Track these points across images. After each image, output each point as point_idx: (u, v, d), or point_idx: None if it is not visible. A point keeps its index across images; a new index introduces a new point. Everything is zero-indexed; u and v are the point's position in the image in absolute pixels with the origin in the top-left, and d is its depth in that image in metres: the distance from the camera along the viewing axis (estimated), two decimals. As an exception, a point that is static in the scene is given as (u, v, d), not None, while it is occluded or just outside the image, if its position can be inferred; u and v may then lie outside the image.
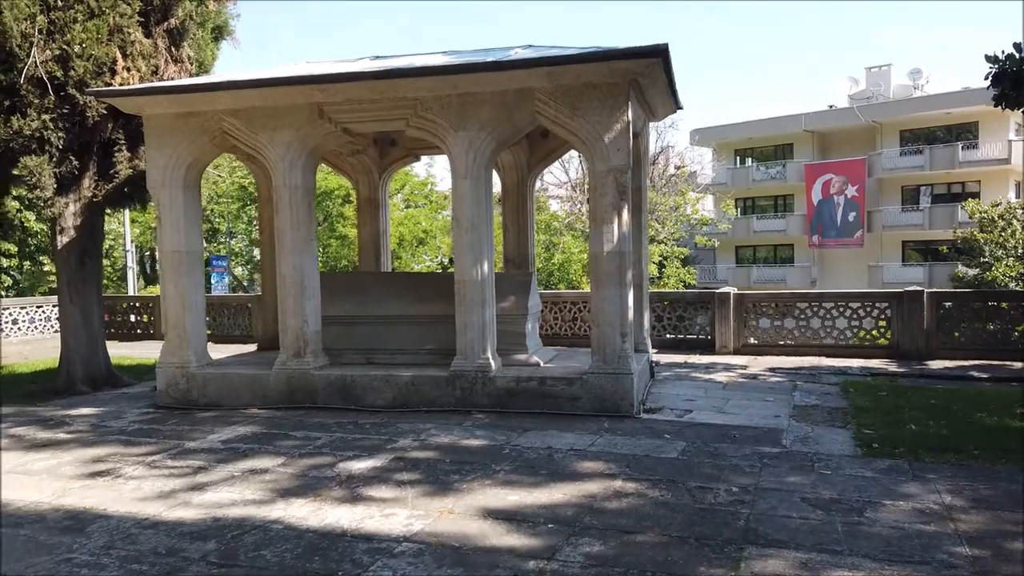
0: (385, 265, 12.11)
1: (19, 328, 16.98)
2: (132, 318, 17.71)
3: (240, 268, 44.91)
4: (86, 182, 10.90)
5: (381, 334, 9.83)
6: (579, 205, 36.26)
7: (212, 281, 35.05)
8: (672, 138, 68.80)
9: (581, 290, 18.08)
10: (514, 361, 9.17)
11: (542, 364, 9.26)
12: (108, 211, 12.11)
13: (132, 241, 24.16)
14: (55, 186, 10.31)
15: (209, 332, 16.81)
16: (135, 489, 6.14)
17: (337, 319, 9.75)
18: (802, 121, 45.94)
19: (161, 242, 9.49)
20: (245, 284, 43.33)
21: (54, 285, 23.61)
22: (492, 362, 8.64)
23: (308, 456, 6.96)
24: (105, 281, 26.71)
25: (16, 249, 18.88)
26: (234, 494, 5.92)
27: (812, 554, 4.43)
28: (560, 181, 38.59)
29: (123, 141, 10.84)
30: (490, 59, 8.29)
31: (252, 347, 15.50)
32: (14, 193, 11.62)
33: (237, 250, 43.66)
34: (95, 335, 11.17)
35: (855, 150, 44.19)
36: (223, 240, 43.42)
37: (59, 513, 5.60)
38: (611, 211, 8.17)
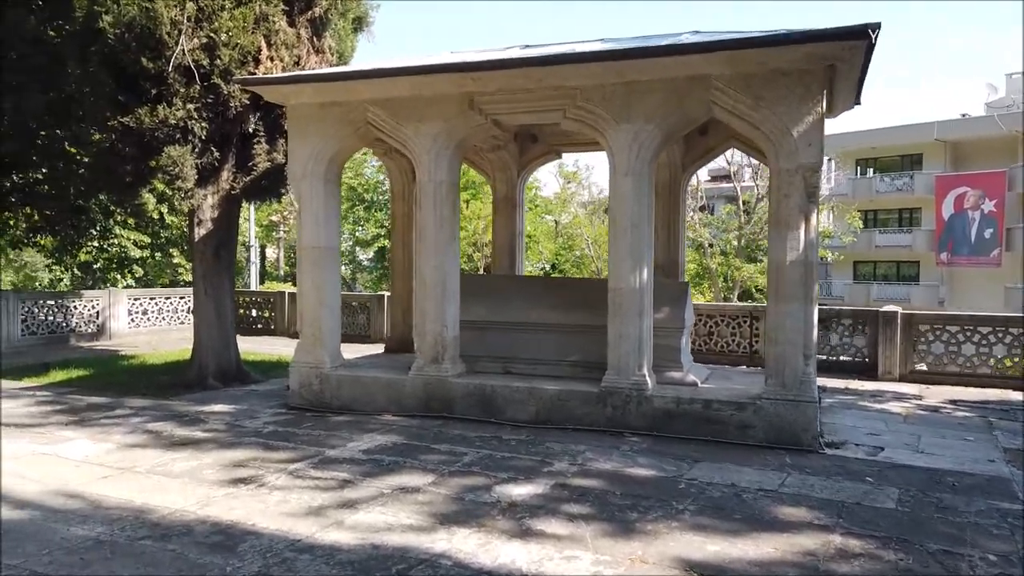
0: (520, 268, 11.47)
1: (148, 319, 17.40)
2: (253, 313, 17.86)
3: (343, 267, 45.84)
4: (224, 174, 10.78)
5: (518, 342, 9.16)
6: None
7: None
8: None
9: (717, 303, 16.97)
10: (668, 379, 8.28)
11: (699, 384, 8.33)
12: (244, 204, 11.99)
13: (256, 236, 24.69)
14: (196, 177, 10.19)
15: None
16: (281, 502, 5.64)
17: (471, 324, 9.14)
18: (934, 130, 42.78)
19: (299, 237, 9.16)
20: (349, 283, 44.08)
21: (176, 277, 24.55)
22: (648, 380, 7.79)
23: (459, 475, 6.32)
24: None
25: (149, 240, 19.51)
26: (388, 516, 5.32)
27: None
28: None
29: (262, 133, 10.66)
30: (663, 43, 7.46)
31: (370, 347, 15.26)
32: (149, 186, 11.60)
33: (343, 250, 44.56)
34: (227, 330, 11.03)
35: (992, 162, 40.67)
36: None
37: (206, 526, 5.15)
38: (797, 215, 7.17)
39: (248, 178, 10.68)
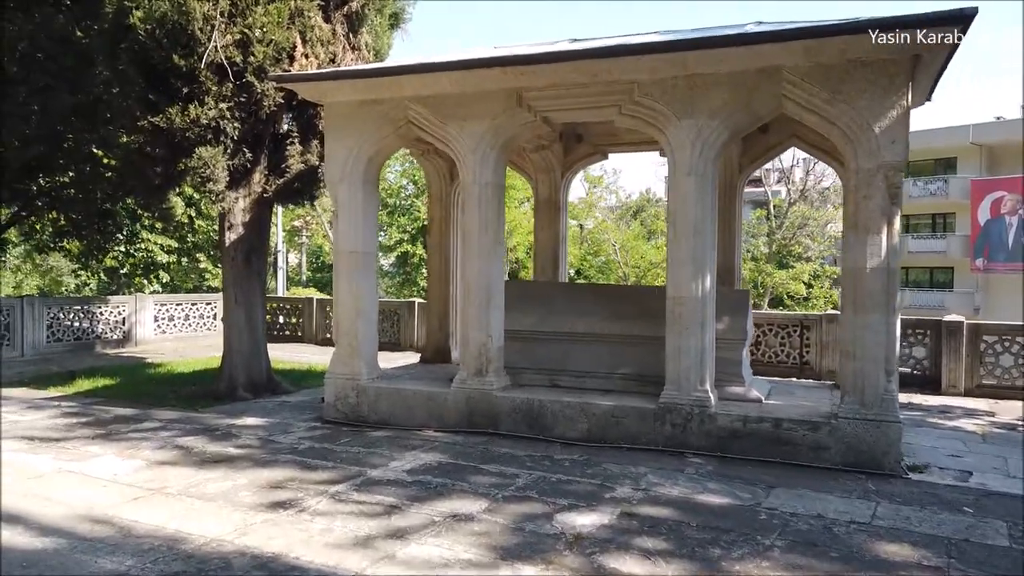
0: (563, 274, 10.95)
1: (175, 325, 17.09)
2: (280, 319, 17.50)
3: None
4: (256, 176, 10.38)
5: (566, 353, 8.64)
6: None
7: (335, 284, 35.42)
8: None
9: (765, 311, 16.31)
10: (730, 395, 7.71)
11: (763, 400, 7.76)
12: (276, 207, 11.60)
13: (283, 240, 24.38)
14: (227, 179, 9.80)
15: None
16: (325, 531, 5.16)
17: (515, 334, 8.63)
18: (969, 133, 41.71)
19: (336, 241, 8.71)
20: (379, 291, 43.75)
21: (203, 283, 24.30)
22: (711, 396, 7.23)
23: (514, 501, 5.80)
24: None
25: (176, 245, 19.24)
26: (443, 549, 4.82)
27: None
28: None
29: (295, 134, 10.27)
30: (729, 33, 6.93)
31: (401, 355, 14.82)
32: (176, 189, 11.25)
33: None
34: (258, 338, 10.62)
35: (1029, 166, 39.53)
36: None
37: (245, 559, 4.68)
38: (878, 218, 6.59)
39: (281, 180, 10.27)
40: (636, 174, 74.60)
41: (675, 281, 7.32)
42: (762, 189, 41.05)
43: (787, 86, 6.85)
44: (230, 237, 10.36)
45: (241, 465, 6.84)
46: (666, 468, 6.71)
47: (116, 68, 9.56)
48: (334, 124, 8.65)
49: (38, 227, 17.00)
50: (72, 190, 14.48)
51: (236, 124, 9.52)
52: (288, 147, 10.17)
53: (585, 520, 5.36)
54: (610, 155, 10.77)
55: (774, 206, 35.10)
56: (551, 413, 7.75)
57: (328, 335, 17.06)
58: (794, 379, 11.35)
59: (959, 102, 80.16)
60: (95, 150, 13.88)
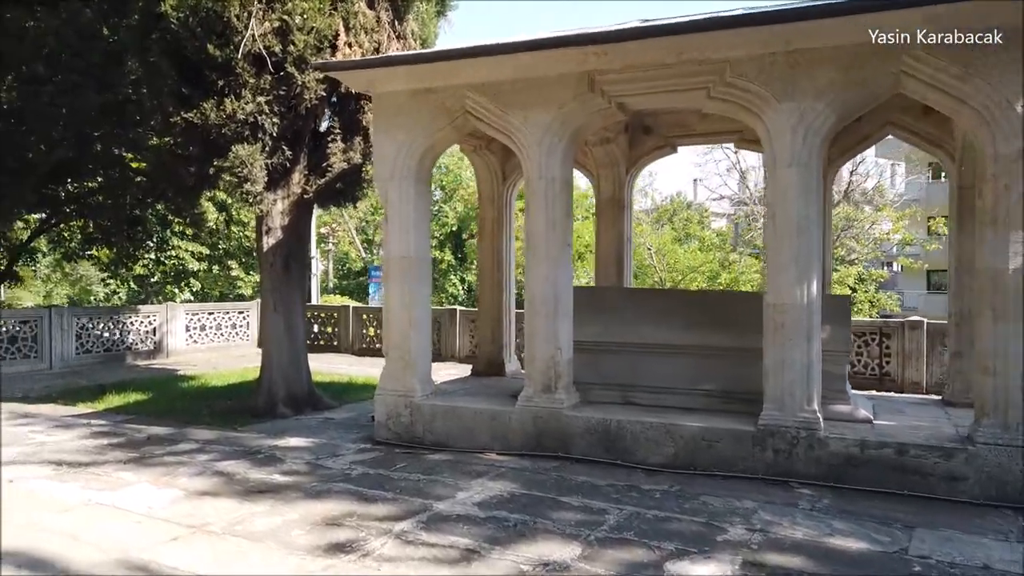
0: (628, 279, 10.09)
1: (206, 335, 16.48)
2: (315, 328, 16.82)
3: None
4: (295, 176, 9.67)
5: (638, 366, 7.79)
6: (752, 220, 33.01)
7: (371, 291, 35.27)
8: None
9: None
10: (835, 414, 6.81)
11: (873, 421, 6.84)
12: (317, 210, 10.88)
13: (315, 246, 23.82)
14: (265, 179, 9.09)
15: (380, 346, 15.74)
16: (397, 584, 4.36)
17: (581, 345, 7.76)
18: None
19: (387, 245, 7.95)
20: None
21: (234, 290, 23.74)
22: (820, 417, 6.34)
23: (611, 544, 4.96)
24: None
25: (207, 252, 18.66)
26: (543, 612, 3.99)
27: None
28: (720, 195, 35.45)
29: (337, 131, 9.54)
30: (837, 2, 6.05)
31: (443, 366, 14.07)
32: (210, 191, 10.60)
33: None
34: (298, 350, 9.90)
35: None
36: (377, 252, 44.21)
37: (309, 623, 3.89)
38: (1022, 211, 5.68)
39: (322, 180, 9.54)
40: (668, 177, 73.49)
41: (776, 286, 6.45)
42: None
43: (908, 61, 5.96)
44: (268, 242, 9.64)
45: (290, 496, 6.07)
46: (775, 502, 5.83)
47: (147, 61, 8.92)
48: (384, 117, 7.90)
49: (67, 235, 16.50)
50: (101, 196, 13.91)
51: (275, 119, 8.82)
52: (329, 144, 9.44)
53: (703, 572, 4.51)
54: (679, 148, 9.90)
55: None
56: (631, 435, 6.90)
57: (365, 345, 16.36)
58: (873, 391, 10.39)
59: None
60: (124, 153, 13.31)
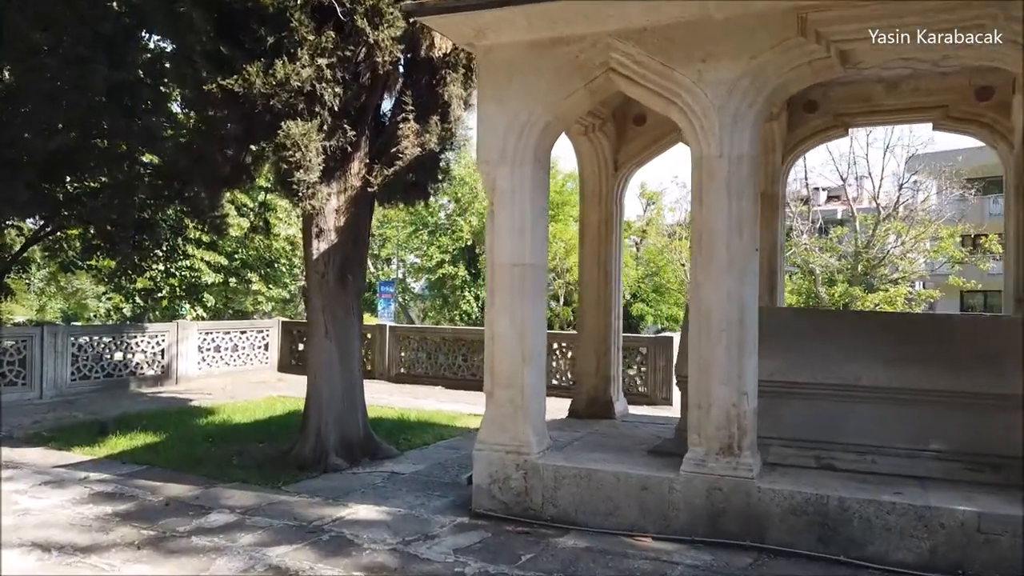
0: (781, 298, 8.08)
1: (221, 357, 14.41)
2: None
3: (401, 296, 42.90)
4: (355, 166, 7.69)
5: (836, 416, 5.79)
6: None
7: (379, 308, 33.51)
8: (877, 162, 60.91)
9: None
10: None
11: None
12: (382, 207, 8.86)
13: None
14: (322, 167, 7.11)
15: (421, 372, 13.83)
16: None
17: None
18: (1059, 145, 38.52)
19: (492, 250, 5.95)
20: (412, 315, 41.02)
21: (256, 307, 21.58)
22: None
23: None
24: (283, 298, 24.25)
25: (225, 263, 16.61)
26: None
27: None
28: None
29: (409, 106, 7.53)
30: None
31: (479, 396, 12.06)
32: (250, 182, 8.57)
33: (400, 277, 41.88)
34: (354, 383, 7.87)
35: None
36: (380, 267, 42.43)
37: None
38: None
39: (390, 170, 7.54)
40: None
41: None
42: (837, 206, 38.19)
43: None
44: (319, 247, 7.65)
45: (392, 620, 4.03)
46: None
47: (174, 13, 6.95)
48: (492, 80, 5.94)
49: (64, 243, 14.48)
50: (105, 196, 11.87)
51: (337, 89, 6.86)
52: (400, 125, 7.44)
53: None
54: (851, 130, 7.92)
55: (860, 222, 32.05)
56: (861, 520, 4.87)
57: (403, 370, 14.34)
58: None
59: None
60: (134, 145, 11.36)
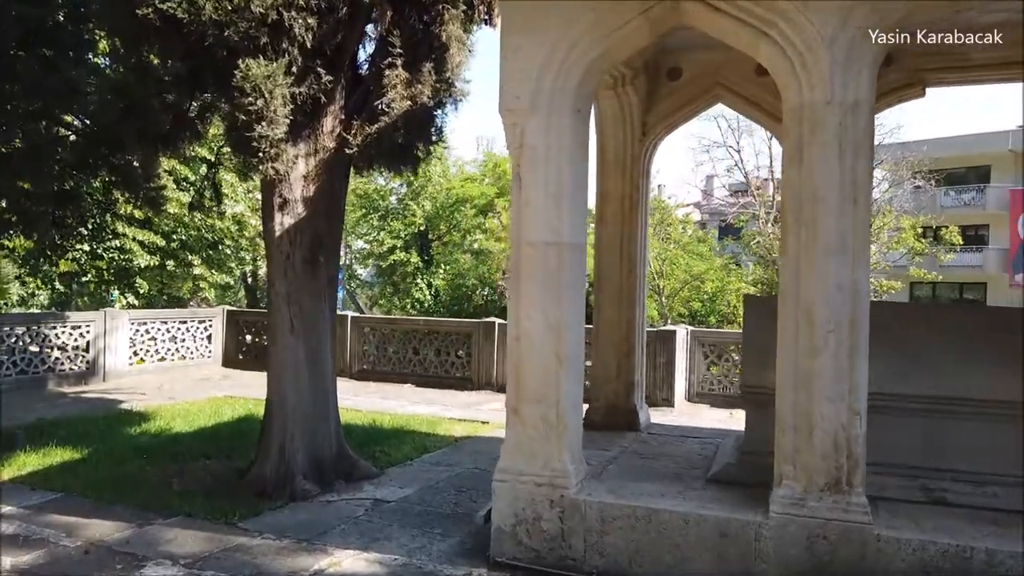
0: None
1: (157, 351, 12.68)
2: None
3: (347, 283, 40.80)
4: (327, 122, 6.24)
5: (939, 435, 4.69)
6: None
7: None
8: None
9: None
10: None
11: None
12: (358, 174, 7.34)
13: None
14: (288, 121, 5.64)
15: (387, 369, 12.41)
16: None
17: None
18: (1008, 139, 39.20)
19: (519, 224, 4.62)
20: (359, 303, 38.98)
21: (196, 295, 19.63)
22: None
23: None
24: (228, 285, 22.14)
25: (163, 243, 14.67)
26: None
27: None
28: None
29: (397, 49, 6.09)
30: None
31: (474, 397, 10.84)
32: (198, 138, 6.93)
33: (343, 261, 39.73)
34: (326, 390, 6.44)
35: (1073, 175, 37.09)
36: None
37: None
38: None
39: (372, 127, 6.10)
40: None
41: None
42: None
43: None
44: (283, 222, 6.18)
45: None
46: None
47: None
48: (520, 6, 4.60)
49: (-30, 219, 12.47)
50: (17, 162, 10.01)
51: (311, 20, 5.40)
52: (386, 72, 6.01)
53: None
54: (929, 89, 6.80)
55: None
56: (1015, 578, 3.76)
57: (366, 366, 12.88)
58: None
59: (995, 106, 75.75)
60: (53, 104, 9.55)
